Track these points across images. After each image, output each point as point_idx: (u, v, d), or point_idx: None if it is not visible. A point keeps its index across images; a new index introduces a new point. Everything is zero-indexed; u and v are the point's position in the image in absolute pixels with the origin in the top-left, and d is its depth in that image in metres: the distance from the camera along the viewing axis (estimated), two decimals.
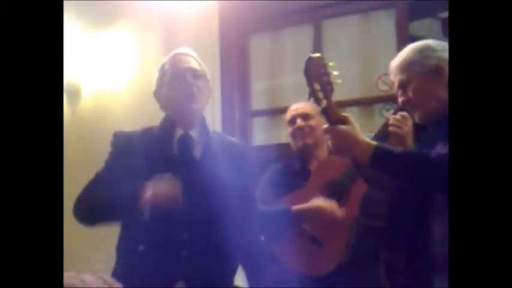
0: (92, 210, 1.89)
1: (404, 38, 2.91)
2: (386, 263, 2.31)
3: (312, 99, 3.13)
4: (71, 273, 0.92)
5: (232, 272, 1.96)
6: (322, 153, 2.44)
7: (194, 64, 1.96)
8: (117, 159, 1.93)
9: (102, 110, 3.53)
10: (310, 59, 1.70)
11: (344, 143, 1.66)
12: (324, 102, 1.68)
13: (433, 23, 3.65)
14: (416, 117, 1.78)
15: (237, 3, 3.24)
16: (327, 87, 1.67)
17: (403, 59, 1.76)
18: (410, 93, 1.74)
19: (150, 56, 3.33)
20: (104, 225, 1.90)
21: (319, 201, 2.24)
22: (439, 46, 1.73)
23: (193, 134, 1.94)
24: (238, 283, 1.99)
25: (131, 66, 3.45)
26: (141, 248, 1.81)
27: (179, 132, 1.93)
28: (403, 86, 1.76)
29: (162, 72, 1.97)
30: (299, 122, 2.42)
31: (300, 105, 2.48)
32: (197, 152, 1.92)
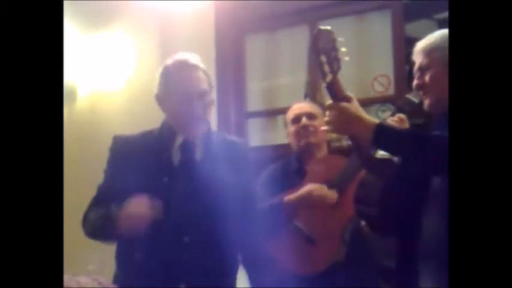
0: (96, 229, 1.86)
1: (400, 39, 2.92)
2: (382, 263, 2.31)
3: (307, 98, 3.11)
4: (67, 275, 0.92)
5: (234, 273, 1.96)
6: (321, 155, 2.44)
7: (201, 80, 1.90)
8: (115, 167, 1.90)
9: (98, 110, 3.52)
10: (319, 31, 1.66)
11: (346, 120, 1.65)
12: (330, 77, 1.65)
13: (429, 24, 3.65)
14: (427, 104, 1.75)
15: (233, 3, 3.24)
16: (334, 62, 1.64)
17: (430, 43, 1.73)
18: (427, 78, 1.72)
19: (146, 57, 3.32)
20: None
21: (309, 186, 2.25)
22: None
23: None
24: (240, 284, 1.99)
25: (127, 66, 3.44)
26: (138, 255, 1.80)
27: (180, 137, 1.90)
28: (422, 69, 1.74)
29: (166, 78, 1.90)
30: (304, 120, 2.40)
31: (303, 105, 2.48)
32: (198, 155, 1.90)
